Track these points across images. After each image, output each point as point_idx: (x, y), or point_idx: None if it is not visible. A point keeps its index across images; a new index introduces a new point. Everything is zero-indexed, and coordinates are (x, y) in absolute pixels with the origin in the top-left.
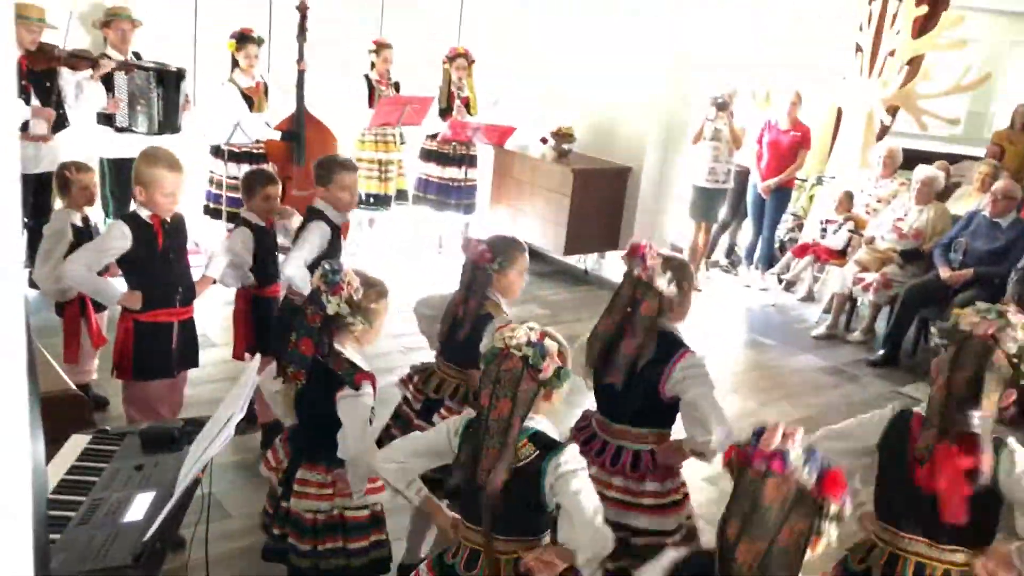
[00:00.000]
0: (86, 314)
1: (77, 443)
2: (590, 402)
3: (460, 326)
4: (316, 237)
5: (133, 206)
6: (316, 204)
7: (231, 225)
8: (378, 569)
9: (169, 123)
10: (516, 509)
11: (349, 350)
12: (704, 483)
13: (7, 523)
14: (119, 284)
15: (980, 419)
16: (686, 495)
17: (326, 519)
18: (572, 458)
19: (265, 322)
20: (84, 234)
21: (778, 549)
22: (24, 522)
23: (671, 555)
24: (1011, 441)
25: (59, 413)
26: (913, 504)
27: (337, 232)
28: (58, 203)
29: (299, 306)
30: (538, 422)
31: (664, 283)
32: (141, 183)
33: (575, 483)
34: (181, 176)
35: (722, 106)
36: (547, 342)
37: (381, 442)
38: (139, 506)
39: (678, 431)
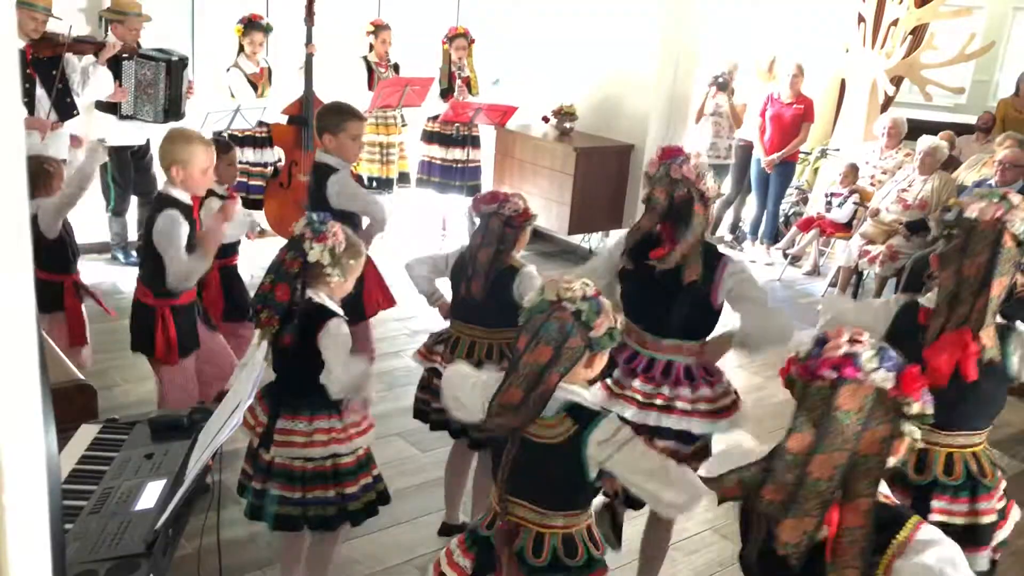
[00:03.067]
0: (81, 297)
1: (87, 433)
2: None
3: (472, 280)
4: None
5: (169, 190)
6: (321, 157)
7: None
8: (372, 511)
9: (173, 111)
10: (556, 485)
11: (322, 296)
12: None
13: (25, 514)
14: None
15: (990, 301)
16: (737, 397)
17: (315, 468)
18: (620, 431)
19: (237, 290)
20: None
21: (860, 458)
22: (41, 513)
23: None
24: (1020, 326)
25: (67, 403)
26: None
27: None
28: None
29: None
30: (575, 393)
31: (711, 182)
32: (178, 162)
33: (631, 456)
34: (213, 153)
35: (722, 86)
36: (602, 299)
37: (423, 414)
38: (150, 494)
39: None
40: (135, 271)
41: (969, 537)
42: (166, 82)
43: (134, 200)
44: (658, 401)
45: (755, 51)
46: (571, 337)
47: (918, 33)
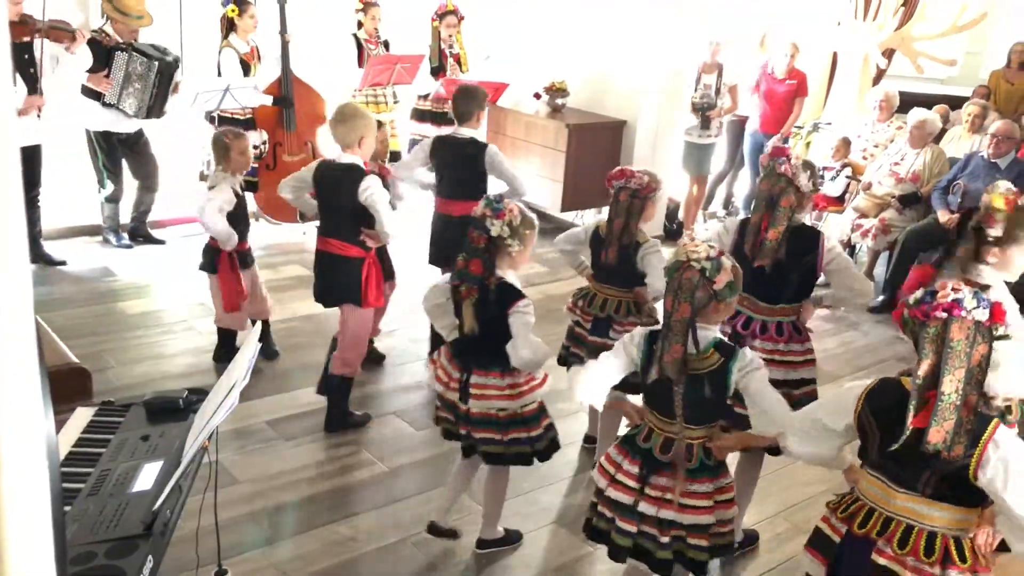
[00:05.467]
0: (235, 269)
1: (82, 415)
2: None
3: (607, 248)
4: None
5: (347, 159)
6: (465, 133)
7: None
8: (553, 447)
9: (156, 109)
10: (707, 405)
11: (508, 273)
12: None
13: (25, 497)
14: None
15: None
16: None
17: (509, 415)
18: (753, 359)
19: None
20: (240, 199)
21: (969, 370)
22: (42, 496)
23: (851, 385)
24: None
25: (62, 386)
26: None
27: None
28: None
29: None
30: (716, 331)
31: (805, 180)
32: (365, 134)
33: (760, 380)
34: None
35: (705, 122)
36: (723, 259)
37: (563, 359)
38: (147, 476)
39: None
40: (127, 253)
41: None
42: (155, 80)
43: (131, 184)
44: (777, 357)
45: (748, 26)
46: (698, 290)
47: (910, 5)
